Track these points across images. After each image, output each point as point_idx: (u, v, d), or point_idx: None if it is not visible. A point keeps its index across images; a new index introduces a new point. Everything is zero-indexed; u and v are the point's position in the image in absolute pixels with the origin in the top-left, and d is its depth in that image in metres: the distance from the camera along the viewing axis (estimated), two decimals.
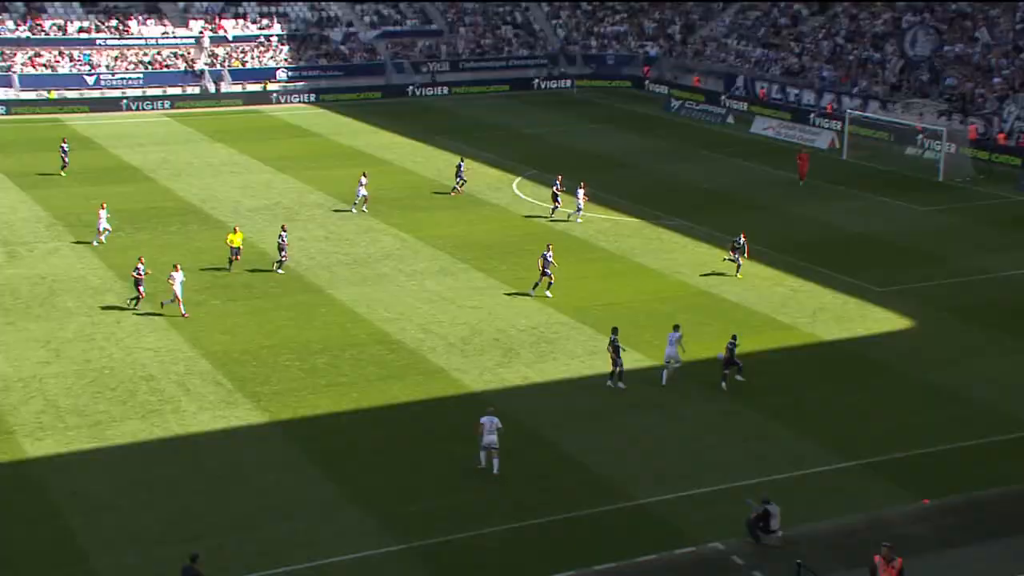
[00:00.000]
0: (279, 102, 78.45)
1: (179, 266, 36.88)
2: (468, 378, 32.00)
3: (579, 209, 47.91)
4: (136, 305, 36.83)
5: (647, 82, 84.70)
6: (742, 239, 40.65)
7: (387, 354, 33.72)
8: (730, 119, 72.42)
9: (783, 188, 54.35)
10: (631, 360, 33.00)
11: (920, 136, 61.06)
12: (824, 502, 25.27)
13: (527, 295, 38.58)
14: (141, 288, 36.78)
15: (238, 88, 78.85)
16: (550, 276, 38.17)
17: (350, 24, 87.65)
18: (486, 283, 40.01)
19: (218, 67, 79.68)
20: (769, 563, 22.77)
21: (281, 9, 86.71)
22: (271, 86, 79.53)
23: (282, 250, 40.72)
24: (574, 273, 41.10)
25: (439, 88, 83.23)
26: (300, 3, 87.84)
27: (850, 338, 34.65)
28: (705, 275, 40.03)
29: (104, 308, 37.26)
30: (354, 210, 49.20)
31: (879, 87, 69.28)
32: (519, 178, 56.31)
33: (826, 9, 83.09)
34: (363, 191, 49.47)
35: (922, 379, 31.71)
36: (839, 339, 34.56)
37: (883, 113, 65.19)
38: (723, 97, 76.59)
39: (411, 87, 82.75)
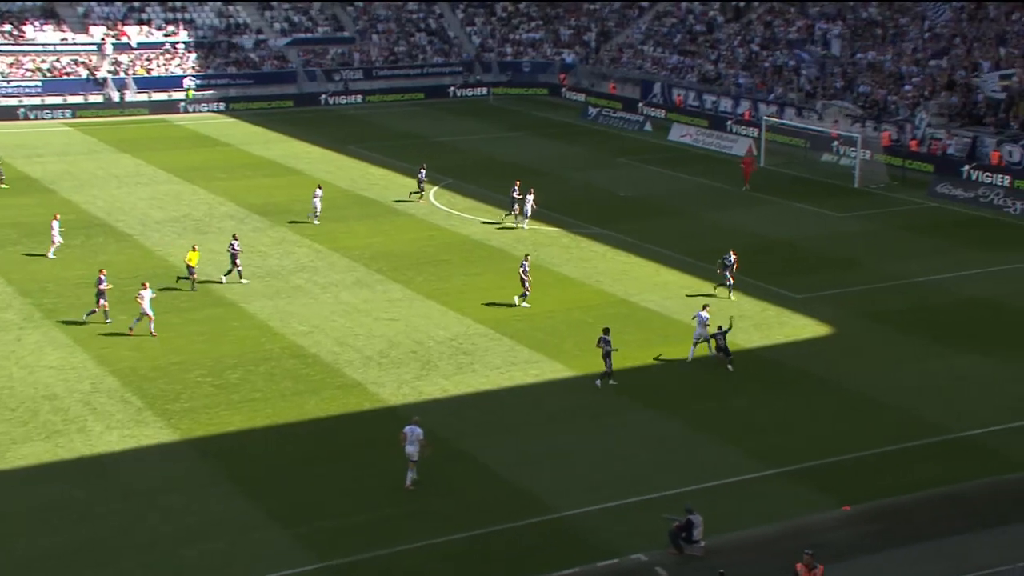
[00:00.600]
0: (187, 111, 77.43)
1: (147, 284, 36.15)
2: (385, 392, 31.91)
3: (525, 215, 48.30)
4: (96, 318, 36.25)
5: (564, 89, 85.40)
6: (732, 257, 39.16)
7: (302, 368, 33.46)
8: (648, 126, 73.33)
9: (701, 195, 55.17)
10: (552, 371, 33.21)
11: (835, 143, 62.48)
12: (746, 511, 25.66)
13: (444, 306, 38.61)
14: (103, 301, 36.15)
15: (144, 97, 77.67)
16: (527, 287, 38.44)
17: (260, 31, 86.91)
18: (403, 294, 39.95)
19: (122, 75, 78.39)
20: (692, 573, 23.05)
21: (187, 15, 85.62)
22: (178, 94, 78.46)
23: (235, 259, 40.48)
24: (492, 283, 41.23)
25: (352, 96, 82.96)
26: (207, 9, 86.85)
27: (770, 345, 35.27)
28: (691, 296, 39.99)
29: (3, 326, 36.39)
30: (316, 221, 48.97)
31: (794, 94, 70.73)
32: (436, 187, 56.33)
33: (741, 16, 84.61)
34: (318, 202, 49.27)
35: (841, 385, 32.39)
36: (759, 346, 35.15)
37: (799, 120, 66.55)
38: (640, 104, 77.56)
39: (324, 95, 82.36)
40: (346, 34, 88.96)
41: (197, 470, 27.51)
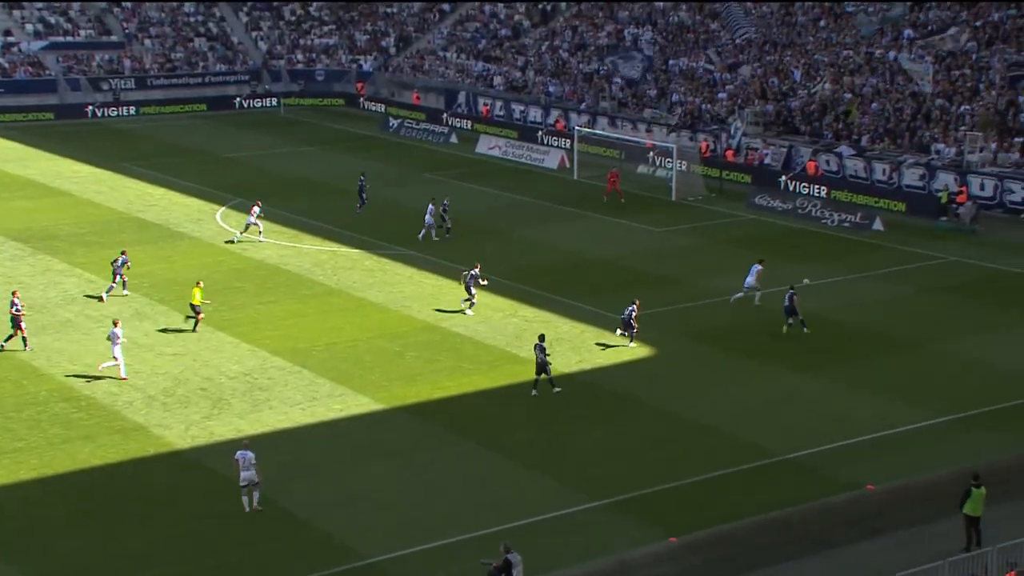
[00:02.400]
0: None
1: (119, 321, 35.29)
2: (172, 434, 31.10)
3: (428, 227, 49.76)
4: (25, 346, 36.63)
5: (362, 100, 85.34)
6: (793, 295, 39.26)
7: (74, 412, 32.27)
8: (453, 138, 73.97)
9: (514, 211, 55.97)
10: (357, 405, 33.01)
11: (651, 154, 64.43)
12: (568, 547, 26.05)
13: (236, 338, 37.95)
14: (23, 326, 36.60)
15: None
16: (474, 295, 40.27)
17: (8, 32, 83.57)
18: (190, 326, 39.07)
19: None
20: None
21: None
22: None
23: (117, 275, 41.87)
24: (290, 311, 40.77)
25: (124, 108, 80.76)
26: None
27: (590, 369, 35.99)
28: (506, 316, 40.41)
29: None
30: (262, 238, 48.89)
31: (607, 103, 72.62)
32: (223, 208, 55.38)
33: (548, 20, 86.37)
34: (253, 219, 48.83)
35: (664, 409, 33.30)
36: (578, 371, 35.82)
37: (612, 130, 68.36)
38: (445, 115, 78.18)
39: (91, 107, 79.84)
40: (114, 38, 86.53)
41: None
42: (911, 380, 35.53)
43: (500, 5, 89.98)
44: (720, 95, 69.21)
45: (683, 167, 61.52)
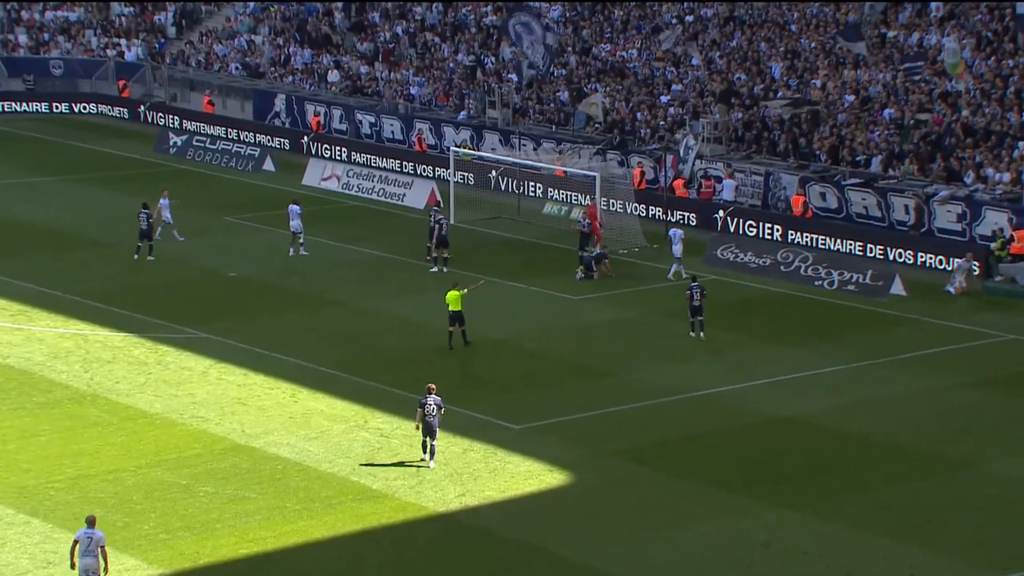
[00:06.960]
0: None
1: None
2: None
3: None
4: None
5: (124, 106, 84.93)
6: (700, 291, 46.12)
7: None
8: (269, 164, 73.91)
9: (360, 272, 55.89)
10: (120, 572, 32.54)
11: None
12: None
13: None
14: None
15: None
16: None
17: None
18: None
19: None
20: None
21: None
22: None
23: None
24: (12, 430, 40.18)
25: None
26: None
27: (477, 506, 35.86)
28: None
29: None
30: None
31: (497, 111, 73.10)
32: None
33: None
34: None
35: (589, 565, 33.22)
36: (460, 509, 35.66)
37: (506, 152, 68.68)
38: (255, 130, 78.20)
39: None
40: None
41: None
42: (943, 517, 35.81)
43: None
44: (663, 99, 70.26)
45: (614, 206, 62.10)
